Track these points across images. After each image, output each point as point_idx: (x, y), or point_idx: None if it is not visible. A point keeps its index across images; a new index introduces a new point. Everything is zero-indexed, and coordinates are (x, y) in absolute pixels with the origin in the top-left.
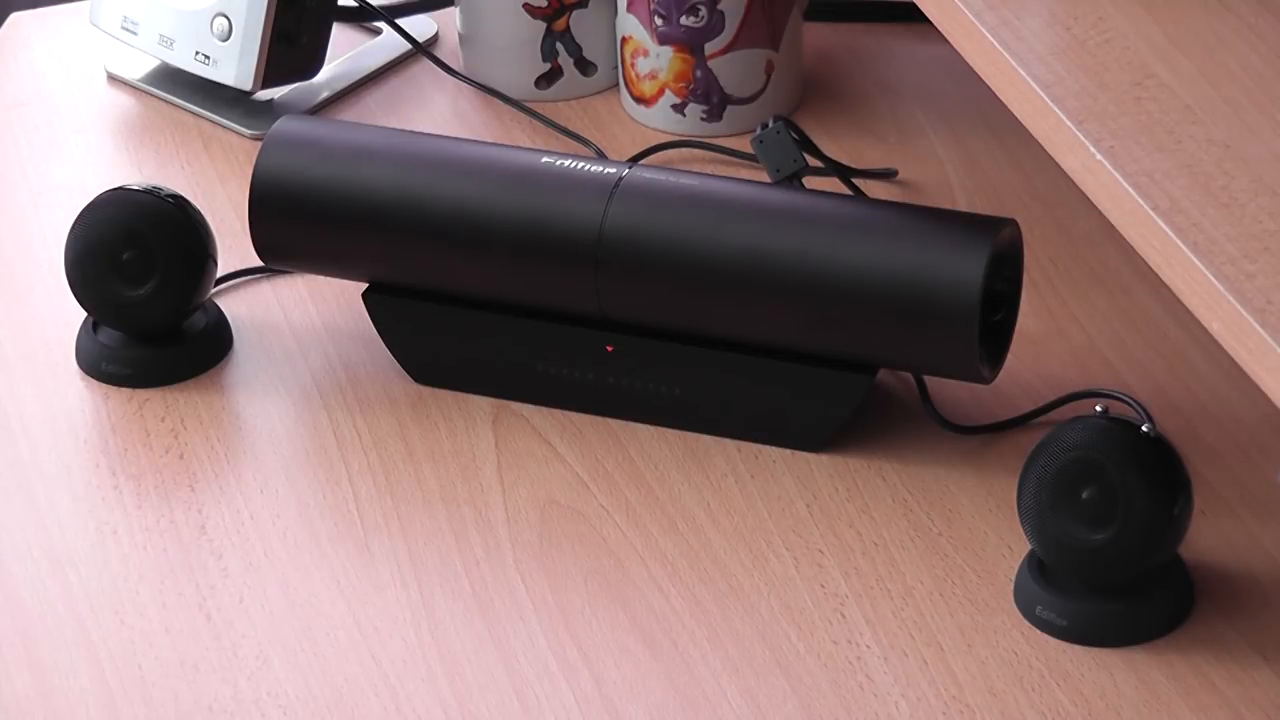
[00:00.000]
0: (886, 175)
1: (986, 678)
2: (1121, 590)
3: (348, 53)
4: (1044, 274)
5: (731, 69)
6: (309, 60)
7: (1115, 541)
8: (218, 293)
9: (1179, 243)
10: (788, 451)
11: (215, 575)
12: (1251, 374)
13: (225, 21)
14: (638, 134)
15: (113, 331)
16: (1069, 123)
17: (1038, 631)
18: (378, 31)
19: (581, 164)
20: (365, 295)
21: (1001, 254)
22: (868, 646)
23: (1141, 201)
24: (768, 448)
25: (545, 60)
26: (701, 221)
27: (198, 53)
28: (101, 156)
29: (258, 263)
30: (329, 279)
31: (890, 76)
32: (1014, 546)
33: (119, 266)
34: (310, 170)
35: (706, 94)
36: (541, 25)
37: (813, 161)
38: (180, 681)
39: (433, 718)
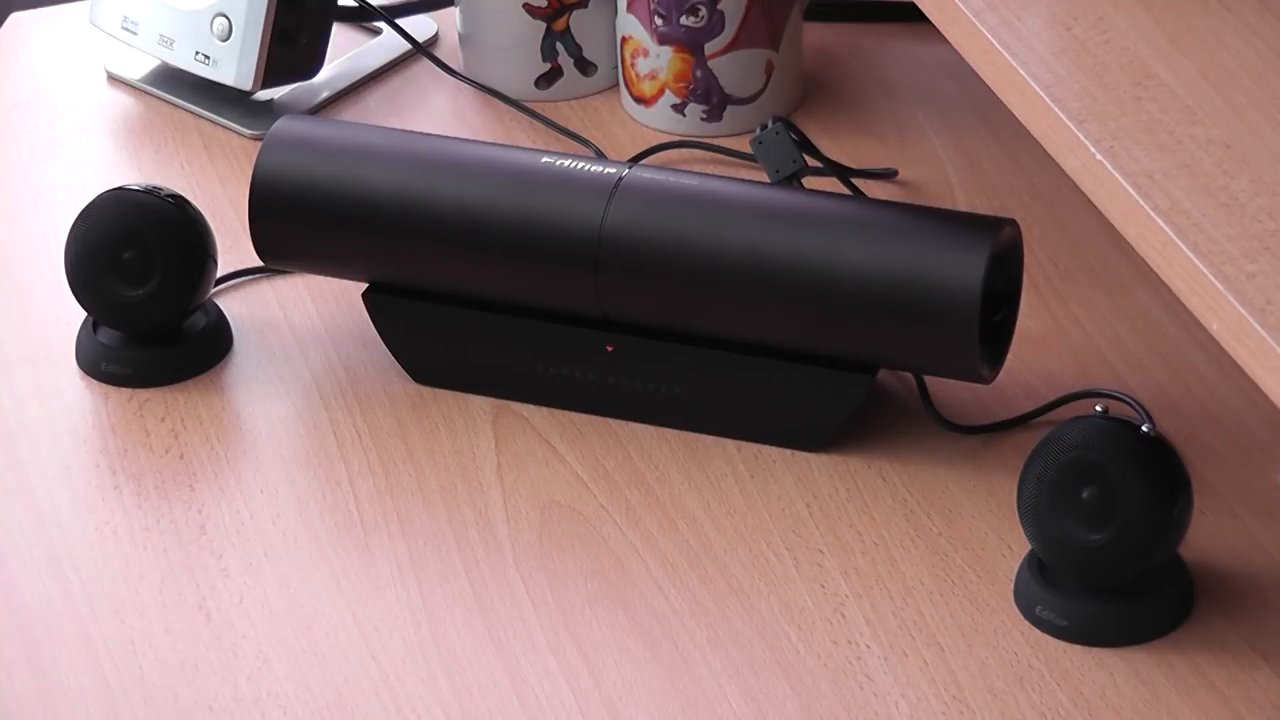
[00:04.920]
0: (886, 175)
1: (986, 678)
2: (1121, 590)
3: (348, 53)
4: (1044, 274)
5: (731, 69)
6: (309, 60)
7: (1115, 541)
8: (218, 293)
9: (1179, 243)
10: (788, 451)
11: (215, 575)
12: (1251, 374)
13: (225, 21)
14: (638, 134)
15: (113, 331)
16: (1069, 123)
17: (1038, 631)
18: (378, 31)
19: (581, 164)
20: (365, 295)
21: (1001, 254)
22: (868, 646)
23: (1141, 201)
24: (768, 448)
25: (545, 60)
26: (701, 221)
27: (198, 53)
28: (101, 156)
29: (258, 263)
30: (329, 279)
31: (890, 76)
32: (1014, 546)
33: (119, 266)
34: (310, 170)
35: (706, 94)
36: (541, 25)
37: (812, 162)
38: (180, 681)
39: (433, 718)
